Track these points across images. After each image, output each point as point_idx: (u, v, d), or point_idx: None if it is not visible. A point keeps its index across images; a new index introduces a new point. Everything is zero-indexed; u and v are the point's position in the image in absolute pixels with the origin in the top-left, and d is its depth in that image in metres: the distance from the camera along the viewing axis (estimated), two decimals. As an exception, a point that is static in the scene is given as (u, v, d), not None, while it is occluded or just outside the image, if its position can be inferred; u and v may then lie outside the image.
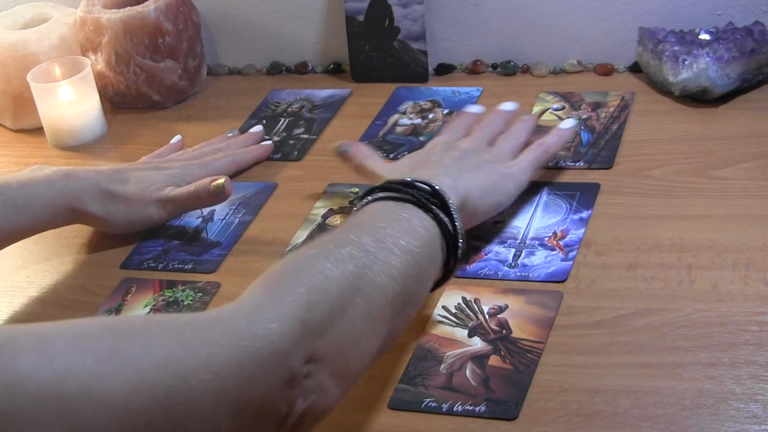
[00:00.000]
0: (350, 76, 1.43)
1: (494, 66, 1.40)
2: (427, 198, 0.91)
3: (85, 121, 1.37)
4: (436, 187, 0.92)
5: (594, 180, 1.14)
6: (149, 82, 1.41)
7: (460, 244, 0.92)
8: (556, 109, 1.28)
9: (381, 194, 0.93)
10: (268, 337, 0.72)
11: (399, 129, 1.30)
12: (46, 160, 1.35)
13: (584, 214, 1.09)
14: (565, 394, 0.88)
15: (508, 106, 1.18)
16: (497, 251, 1.05)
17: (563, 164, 1.17)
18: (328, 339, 0.76)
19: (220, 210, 1.19)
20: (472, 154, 1.05)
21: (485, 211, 1.03)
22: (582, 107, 1.28)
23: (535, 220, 1.09)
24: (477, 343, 0.94)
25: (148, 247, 1.15)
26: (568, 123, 1.17)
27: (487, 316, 0.97)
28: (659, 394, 0.86)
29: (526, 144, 1.12)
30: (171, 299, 1.07)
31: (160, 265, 1.12)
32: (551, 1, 1.36)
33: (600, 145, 1.20)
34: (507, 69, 1.39)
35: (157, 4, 1.39)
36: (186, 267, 1.11)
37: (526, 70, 1.38)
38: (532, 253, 1.04)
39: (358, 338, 0.79)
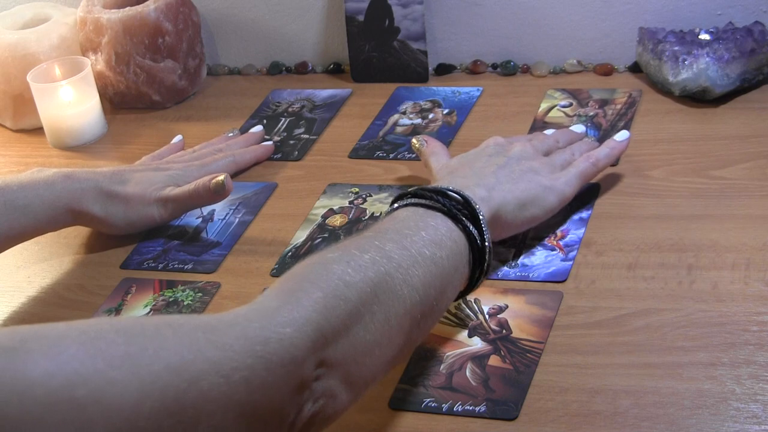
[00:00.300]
0: (350, 76, 1.43)
1: (494, 66, 1.40)
2: (458, 208, 0.90)
3: (85, 121, 1.37)
4: (469, 198, 0.91)
5: (595, 179, 1.14)
6: (149, 82, 1.41)
7: (487, 258, 0.91)
8: (564, 106, 1.29)
9: (412, 200, 0.92)
10: (281, 342, 0.71)
11: (399, 129, 1.30)
12: (46, 160, 1.35)
13: (584, 214, 1.09)
14: (565, 394, 0.88)
15: (578, 128, 1.17)
16: (497, 251, 1.05)
17: None
18: (342, 345, 0.75)
19: (219, 210, 1.19)
20: (519, 161, 1.03)
21: (519, 223, 1.01)
22: (589, 104, 1.28)
23: (535, 220, 1.09)
24: (477, 343, 0.94)
25: (148, 247, 1.15)
26: (623, 135, 1.12)
27: (487, 316, 0.97)
28: (659, 394, 0.86)
29: None
30: (171, 299, 1.07)
31: (160, 265, 1.12)
32: (551, 1, 1.36)
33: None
34: (507, 69, 1.39)
35: (157, 4, 1.39)
36: (186, 267, 1.11)
37: (526, 70, 1.38)
38: (532, 253, 1.04)
39: (373, 346, 0.78)
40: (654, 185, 1.12)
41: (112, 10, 1.40)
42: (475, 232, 0.90)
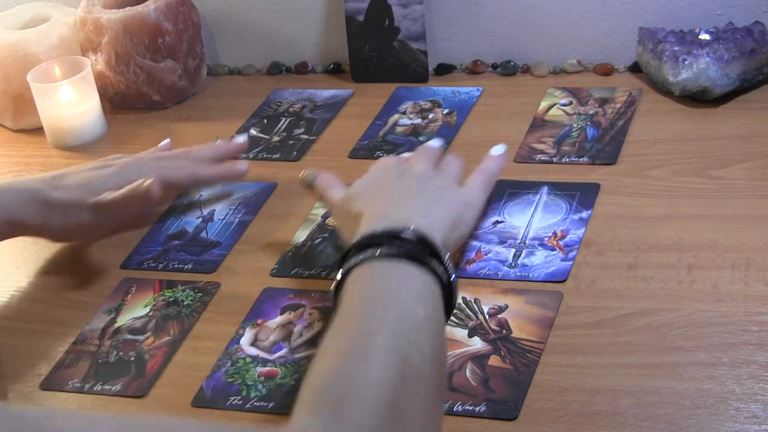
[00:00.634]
0: (350, 76, 1.43)
1: (494, 66, 1.40)
2: (417, 249, 0.85)
3: (85, 121, 1.37)
4: (425, 234, 0.87)
5: (595, 179, 1.14)
6: (149, 82, 1.41)
7: (454, 293, 0.86)
8: (564, 105, 1.29)
9: (369, 252, 0.86)
10: None
11: (399, 129, 1.30)
12: (46, 159, 1.35)
13: (584, 214, 1.09)
14: (565, 394, 0.88)
15: (435, 143, 1.11)
16: (497, 251, 1.05)
17: (567, 159, 1.18)
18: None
19: (219, 210, 1.19)
20: (427, 180, 1.00)
21: (453, 245, 0.97)
22: (589, 103, 1.28)
23: (535, 220, 1.09)
24: (477, 343, 0.94)
25: (147, 247, 1.15)
26: (499, 149, 1.10)
27: (487, 316, 0.97)
28: (659, 394, 0.86)
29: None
30: (171, 299, 1.07)
31: (160, 265, 1.12)
32: (551, 1, 1.36)
33: (605, 141, 1.20)
34: (507, 69, 1.39)
35: (157, 4, 1.39)
36: (186, 267, 1.11)
37: (526, 70, 1.38)
38: (532, 253, 1.04)
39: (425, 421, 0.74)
40: (654, 185, 1.12)
41: (112, 10, 1.40)
42: (440, 269, 0.85)
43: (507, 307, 0.98)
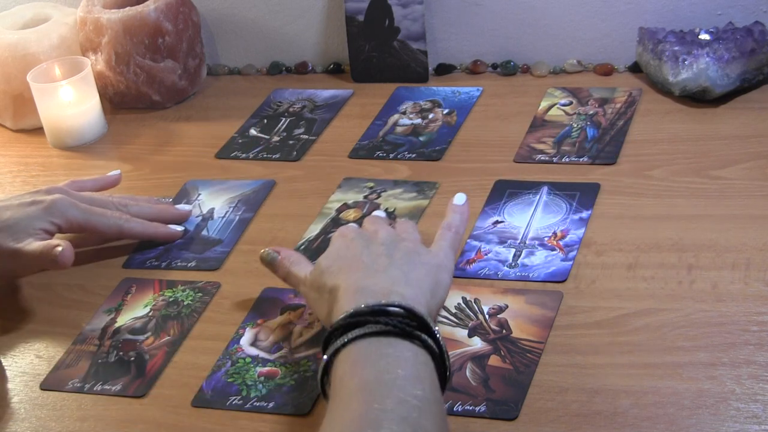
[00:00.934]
0: (350, 76, 1.43)
1: (494, 66, 1.40)
2: (405, 323, 0.83)
3: (85, 121, 1.37)
4: (412, 308, 0.83)
5: (595, 179, 1.14)
6: (149, 82, 1.41)
7: (447, 364, 0.84)
8: (564, 105, 1.29)
9: (356, 331, 0.83)
10: None
11: (399, 129, 1.30)
12: (46, 160, 1.35)
13: (584, 214, 1.09)
14: (565, 394, 0.88)
15: (380, 213, 1.09)
16: (497, 251, 1.05)
17: (567, 159, 1.18)
18: None
19: (219, 208, 1.19)
20: (393, 245, 0.94)
21: (435, 311, 0.91)
22: (589, 103, 1.28)
23: (535, 220, 1.09)
24: (477, 343, 0.94)
25: (150, 246, 1.15)
26: (461, 198, 1.03)
27: (487, 316, 0.97)
28: (659, 394, 0.86)
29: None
30: (171, 299, 1.07)
31: (163, 264, 1.12)
32: (551, 1, 1.36)
33: (605, 141, 1.20)
34: (507, 69, 1.39)
35: (157, 4, 1.39)
36: (189, 265, 1.11)
37: (526, 70, 1.38)
38: (532, 253, 1.04)
39: None
40: (654, 185, 1.12)
41: (112, 10, 1.40)
42: (429, 341, 0.82)
43: (507, 307, 0.98)
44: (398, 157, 1.24)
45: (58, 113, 1.36)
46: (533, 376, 0.90)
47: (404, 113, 1.33)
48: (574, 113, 1.27)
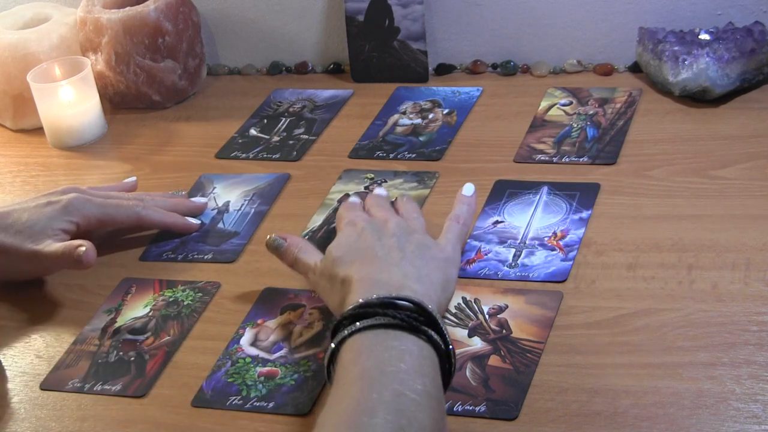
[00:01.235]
0: (350, 76, 1.43)
1: (494, 66, 1.40)
2: (413, 317, 0.83)
3: (85, 121, 1.37)
4: (421, 303, 0.84)
5: (595, 179, 1.14)
6: (149, 82, 1.41)
7: (453, 361, 0.84)
8: (564, 105, 1.29)
9: (365, 322, 0.83)
10: None
11: (399, 129, 1.30)
12: (46, 160, 1.35)
13: (584, 214, 1.09)
14: (565, 394, 0.88)
15: (381, 191, 1.08)
16: (497, 251, 1.05)
17: (567, 159, 1.18)
18: None
19: (234, 201, 1.20)
20: (404, 237, 0.95)
21: (444, 307, 0.93)
22: (589, 103, 1.28)
23: (535, 220, 1.09)
24: (477, 343, 0.94)
25: (166, 239, 1.15)
26: (469, 189, 1.05)
27: (487, 316, 0.97)
28: (659, 394, 0.86)
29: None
30: (171, 299, 1.07)
31: (180, 256, 1.12)
32: (551, 1, 1.36)
33: (605, 141, 1.20)
34: (507, 69, 1.39)
35: (157, 4, 1.39)
36: (206, 257, 1.11)
37: (526, 70, 1.38)
38: (532, 253, 1.04)
39: None
40: (654, 185, 1.12)
41: (112, 10, 1.40)
42: (436, 337, 0.83)
43: (507, 307, 0.98)
44: (398, 157, 1.24)
45: (58, 113, 1.36)
46: (533, 376, 0.90)
47: (404, 113, 1.33)
48: (574, 113, 1.27)
